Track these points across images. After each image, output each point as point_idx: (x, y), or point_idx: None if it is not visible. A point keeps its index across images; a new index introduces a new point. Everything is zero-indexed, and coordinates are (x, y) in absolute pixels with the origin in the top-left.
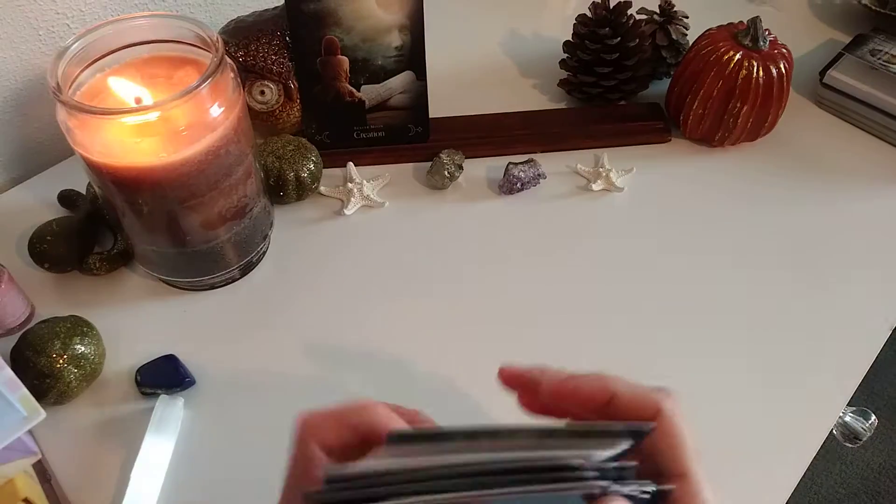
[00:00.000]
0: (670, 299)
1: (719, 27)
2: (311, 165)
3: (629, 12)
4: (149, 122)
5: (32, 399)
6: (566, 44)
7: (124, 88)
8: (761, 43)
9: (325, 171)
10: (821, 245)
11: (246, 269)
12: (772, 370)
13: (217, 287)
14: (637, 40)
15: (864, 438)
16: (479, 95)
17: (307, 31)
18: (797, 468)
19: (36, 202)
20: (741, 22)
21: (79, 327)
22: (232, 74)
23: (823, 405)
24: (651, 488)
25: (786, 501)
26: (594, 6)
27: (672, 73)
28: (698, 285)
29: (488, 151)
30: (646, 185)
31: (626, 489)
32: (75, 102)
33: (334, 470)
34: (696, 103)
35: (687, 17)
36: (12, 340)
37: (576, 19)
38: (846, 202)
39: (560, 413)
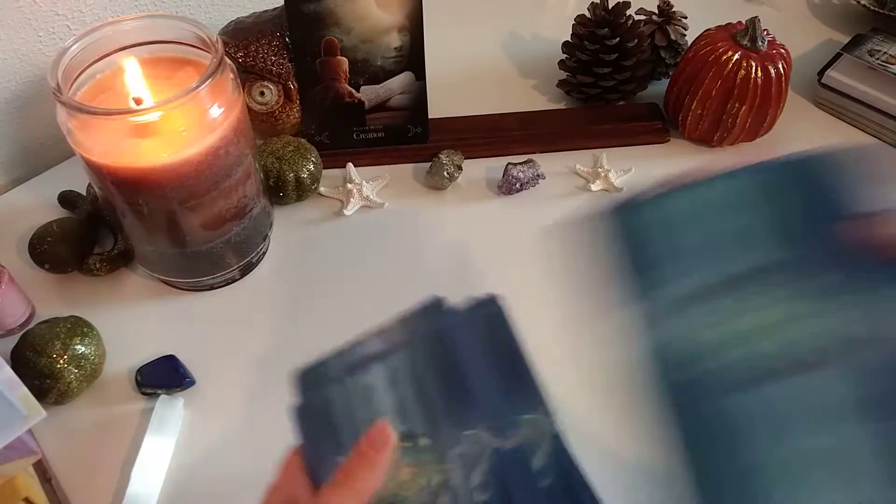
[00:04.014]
0: None
1: (718, 27)
2: (311, 166)
3: (628, 13)
4: (149, 122)
5: (33, 398)
6: (565, 44)
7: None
8: (760, 43)
9: (324, 171)
10: None
11: (246, 270)
12: None
13: (217, 287)
14: (636, 41)
15: None
16: (478, 96)
17: (306, 31)
18: None
19: (36, 203)
20: (739, 22)
21: (79, 328)
22: (231, 75)
23: None
24: None
25: None
26: (593, 7)
27: (671, 73)
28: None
29: (487, 152)
30: (645, 185)
31: None
32: (75, 103)
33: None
34: (694, 103)
35: (685, 18)
36: (13, 341)
37: (574, 20)
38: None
39: None
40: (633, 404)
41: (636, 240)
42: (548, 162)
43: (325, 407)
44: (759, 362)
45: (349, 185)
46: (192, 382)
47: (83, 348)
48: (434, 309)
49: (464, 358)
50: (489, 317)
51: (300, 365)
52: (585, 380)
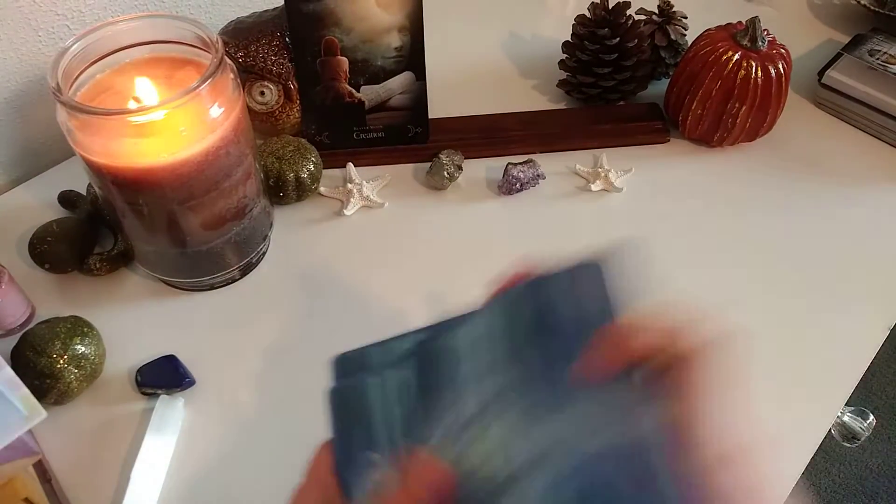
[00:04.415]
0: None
1: (718, 27)
2: (311, 166)
3: (628, 13)
4: (149, 122)
5: (33, 398)
6: (565, 44)
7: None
8: (760, 43)
9: (324, 171)
10: (819, 245)
11: (246, 270)
12: (771, 370)
13: (217, 287)
14: (636, 41)
15: (863, 438)
16: (478, 96)
17: (307, 31)
18: (795, 468)
19: (36, 203)
20: (740, 22)
21: (79, 327)
22: (232, 75)
23: (822, 405)
24: None
25: (784, 501)
26: (593, 7)
27: (671, 73)
28: (696, 285)
29: (487, 152)
30: (644, 186)
31: None
32: (75, 103)
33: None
34: (694, 103)
35: (686, 18)
36: (13, 341)
37: (575, 20)
38: (844, 202)
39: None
40: None
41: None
42: (548, 162)
43: (359, 396)
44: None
45: (349, 185)
46: (192, 382)
47: (83, 348)
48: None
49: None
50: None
51: (339, 351)
52: None
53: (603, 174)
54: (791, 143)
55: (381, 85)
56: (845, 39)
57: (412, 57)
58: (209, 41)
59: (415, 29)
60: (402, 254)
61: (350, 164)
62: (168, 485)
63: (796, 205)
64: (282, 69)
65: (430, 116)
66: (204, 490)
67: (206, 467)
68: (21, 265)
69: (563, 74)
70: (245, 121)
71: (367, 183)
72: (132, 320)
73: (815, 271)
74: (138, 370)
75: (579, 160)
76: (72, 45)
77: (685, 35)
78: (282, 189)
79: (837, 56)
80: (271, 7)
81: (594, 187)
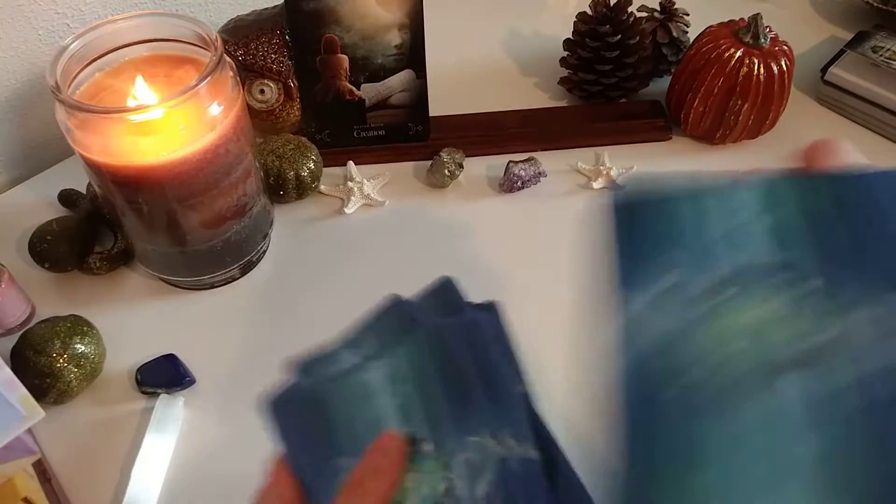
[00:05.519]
0: None
1: (720, 24)
2: (311, 164)
3: (630, 10)
4: (148, 121)
5: (32, 399)
6: (567, 41)
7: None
8: (762, 40)
9: (325, 169)
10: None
11: (246, 269)
12: None
13: (217, 286)
14: (637, 38)
15: None
16: (479, 93)
17: (307, 29)
18: None
19: (36, 202)
20: (742, 19)
21: (79, 327)
22: (231, 73)
23: None
24: None
25: None
26: (594, 4)
27: (673, 70)
28: None
29: (489, 150)
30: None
31: None
32: (74, 102)
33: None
34: (696, 101)
35: (688, 15)
36: (12, 340)
37: (576, 17)
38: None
39: None
40: (614, 417)
41: (636, 232)
42: (549, 160)
43: (317, 406)
44: (732, 368)
45: (350, 184)
46: (192, 381)
47: (83, 347)
48: (431, 307)
49: (464, 360)
50: (487, 321)
51: (294, 357)
52: (575, 390)
53: (604, 172)
54: (794, 141)
55: (382, 83)
56: (848, 36)
57: (412, 54)
58: (208, 39)
59: (415, 26)
60: (403, 252)
61: (350, 162)
62: (168, 484)
63: None
64: (282, 67)
65: (430, 114)
66: (204, 489)
67: (207, 466)
68: (21, 264)
69: (565, 72)
70: (245, 119)
71: (367, 181)
72: (132, 319)
73: None
74: (138, 369)
75: (581, 158)
76: (71, 44)
77: (687, 32)
78: (282, 187)
79: (840, 53)
80: (271, 5)
81: (596, 185)
